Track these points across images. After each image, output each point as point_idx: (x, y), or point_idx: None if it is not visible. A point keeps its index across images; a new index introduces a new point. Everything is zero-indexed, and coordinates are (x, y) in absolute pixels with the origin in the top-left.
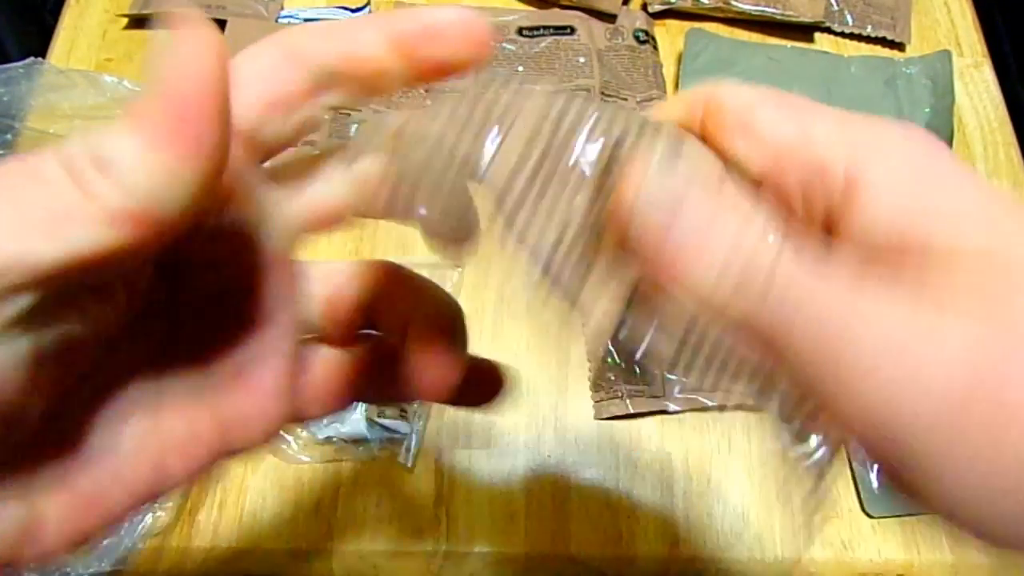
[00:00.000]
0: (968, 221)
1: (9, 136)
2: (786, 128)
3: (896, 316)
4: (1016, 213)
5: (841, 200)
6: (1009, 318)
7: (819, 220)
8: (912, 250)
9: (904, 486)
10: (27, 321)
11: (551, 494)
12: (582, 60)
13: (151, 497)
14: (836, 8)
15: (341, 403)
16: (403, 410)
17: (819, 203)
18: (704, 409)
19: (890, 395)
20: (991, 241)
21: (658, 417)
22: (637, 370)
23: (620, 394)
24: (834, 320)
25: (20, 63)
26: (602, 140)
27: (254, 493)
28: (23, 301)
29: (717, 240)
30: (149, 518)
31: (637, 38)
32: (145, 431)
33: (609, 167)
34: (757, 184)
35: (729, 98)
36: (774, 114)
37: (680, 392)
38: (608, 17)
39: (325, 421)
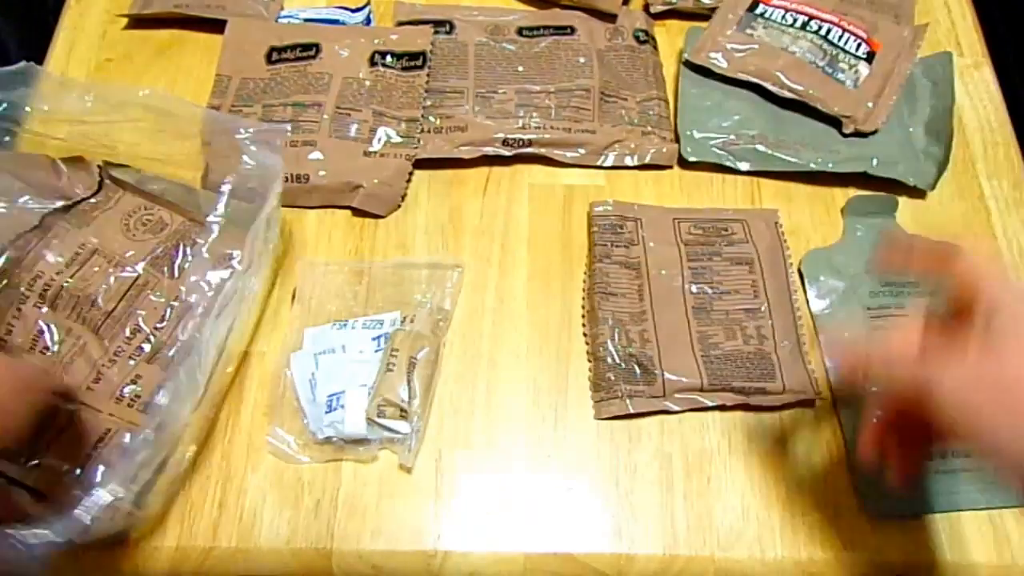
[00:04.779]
0: None
1: (8, 139)
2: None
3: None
4: None
5: None
6: None
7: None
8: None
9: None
10: None
11: (551, 494)
12: (582, 60)
13: None
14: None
15: None
16: (403, 410)
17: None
18: (704, 409)
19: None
20: None
21: (658, 417)
22: (637, 370)
23: (620, 394)
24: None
25: (15, 67)
26: None
27: (254, 493)
28: None
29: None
30: (102, 494)
31: (637, 38)
32: None
33: None
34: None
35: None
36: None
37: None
38: (608, 17)
39: (326, 421)
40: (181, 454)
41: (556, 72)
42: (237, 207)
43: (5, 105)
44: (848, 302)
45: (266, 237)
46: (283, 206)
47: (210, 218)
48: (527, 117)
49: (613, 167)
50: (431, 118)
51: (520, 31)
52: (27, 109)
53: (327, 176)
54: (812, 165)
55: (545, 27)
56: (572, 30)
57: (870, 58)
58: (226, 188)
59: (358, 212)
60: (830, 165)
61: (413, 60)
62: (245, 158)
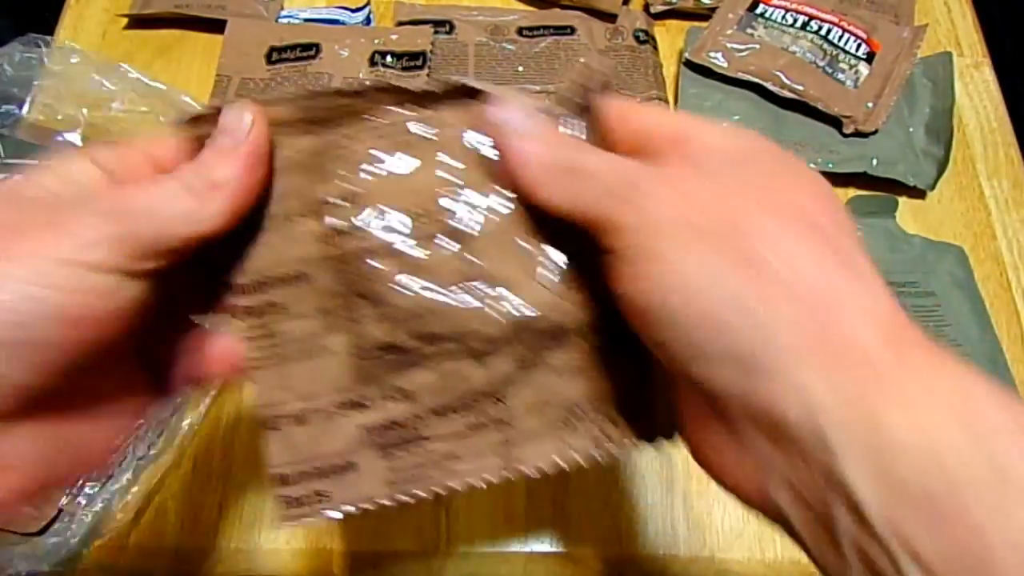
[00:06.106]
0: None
1: (21, 111)
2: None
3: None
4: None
5: None
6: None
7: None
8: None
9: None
10: (151, 276)
11: (551, 494)
12: (582, 60)
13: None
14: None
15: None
16: None
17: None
18: None
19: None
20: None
21: None
22: None
23: None
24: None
25: (29, 38)
26: None
27: (254, 493)
28: (159, 261)
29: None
30: (88, 516)
31: (637, 38)
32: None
33: None
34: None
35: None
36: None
37: None
38: (608, 17)
39: None
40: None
41: (556, 72)
42: None
43: (20, 77)
44: None
45: None
46: None
47: None
48: None
49: None
50: None
51: (520, 31)
52: (39, 84)
53: None
54: (812, 165)
55: (545, 27)
56: (572, 30)
57: (870, 58)
58: None
59: None
60: (830, 165)
61: (413, 60)
62: None
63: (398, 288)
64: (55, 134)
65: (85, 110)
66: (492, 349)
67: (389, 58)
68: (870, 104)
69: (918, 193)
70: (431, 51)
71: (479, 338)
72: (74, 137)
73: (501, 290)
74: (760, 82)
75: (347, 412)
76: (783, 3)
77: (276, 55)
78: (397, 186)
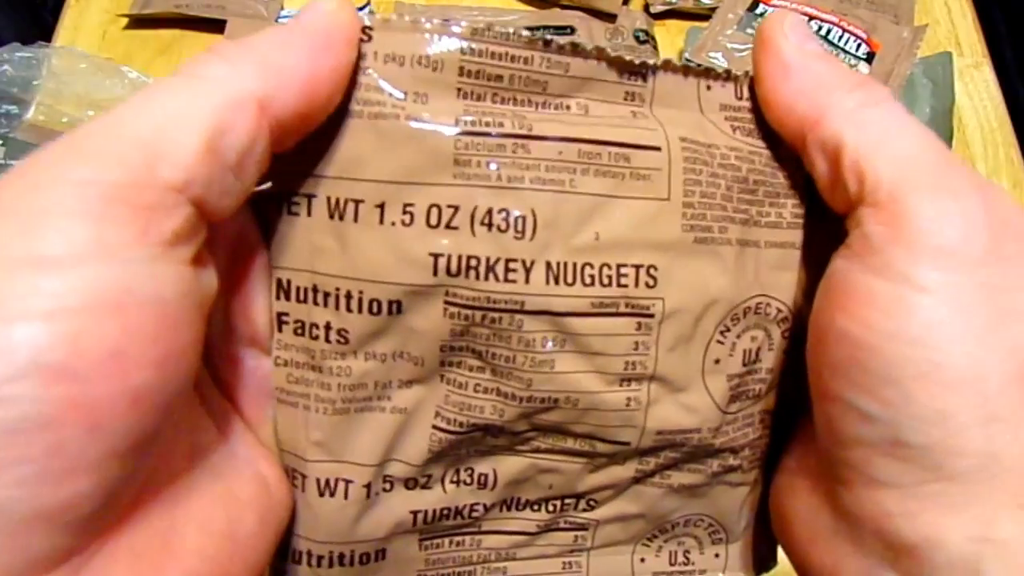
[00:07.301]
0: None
1: (25, 114)
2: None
3: None
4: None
5: None
6: None
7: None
8: None
9: None
10: (186, 239)
11: None
12: None
13: None
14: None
15: None
16: None
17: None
18: None
19: None
20: None
21: None
22: None
23: None
24: None
25: (35, 46)
26: None
27: None
28: (183, 212)
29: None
30: None
31: (637, 38)
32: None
33: None
34: None
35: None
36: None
37: None
38: (608, 17)
39: None
40: None
41: None
42: None
43: (23, 78)
44: None
45: None
46: None
47: None
48: None
49: None
50: None
51: None
52: (44, 86)
53: None
54: None
55: (545, 27)
56: (572, 30)
57: (870, 58)
58: None
59: None
60: None
61: None
62: None
63: (541, 366)
64: (58, 136)
65: (90, 112)
66: (619, 457)
67: None
68: None
69: None
70: None
71: (613, 442)
72: None
73: (664, 392)
74: None
75: (401, 491)
76: (783, 3)
77: None
78: (588, 224)
